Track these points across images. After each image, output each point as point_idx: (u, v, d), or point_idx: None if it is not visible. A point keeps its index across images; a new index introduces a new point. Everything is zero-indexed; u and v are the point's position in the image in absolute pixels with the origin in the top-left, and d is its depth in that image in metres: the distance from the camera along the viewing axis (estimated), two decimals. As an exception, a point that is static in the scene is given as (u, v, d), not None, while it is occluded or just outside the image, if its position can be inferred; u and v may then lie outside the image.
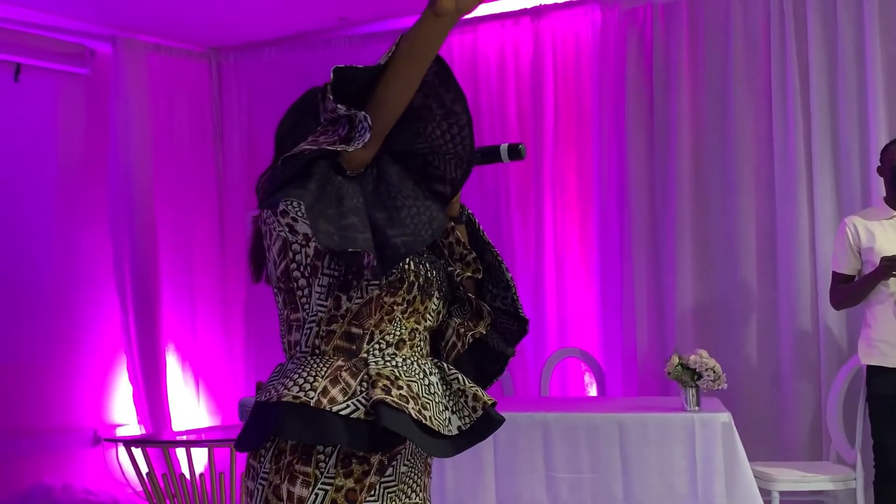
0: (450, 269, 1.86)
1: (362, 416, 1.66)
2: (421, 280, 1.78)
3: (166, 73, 5.69)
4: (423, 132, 1.74)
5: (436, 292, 1.82)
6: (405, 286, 1.76)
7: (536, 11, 5.15)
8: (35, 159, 5.31)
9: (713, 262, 4.73)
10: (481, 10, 5.26)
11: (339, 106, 1.64)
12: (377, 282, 1.73)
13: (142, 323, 5.43)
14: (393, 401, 1.67)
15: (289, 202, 1.65)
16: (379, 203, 1.69)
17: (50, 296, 5.32)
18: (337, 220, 1.63)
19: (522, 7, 5.17)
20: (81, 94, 5.51)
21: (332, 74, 1.64)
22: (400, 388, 1.70)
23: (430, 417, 1.71)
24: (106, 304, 5.48)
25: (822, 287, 4.40)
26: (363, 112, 1.64)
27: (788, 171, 4.52)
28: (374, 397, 1.66)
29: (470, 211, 1.93)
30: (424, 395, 1.74)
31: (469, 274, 1.87)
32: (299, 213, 1.65)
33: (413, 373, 1.76)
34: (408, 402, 1.69)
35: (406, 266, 1.76)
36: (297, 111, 1.89)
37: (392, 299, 1.75)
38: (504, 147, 1.85)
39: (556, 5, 5.11)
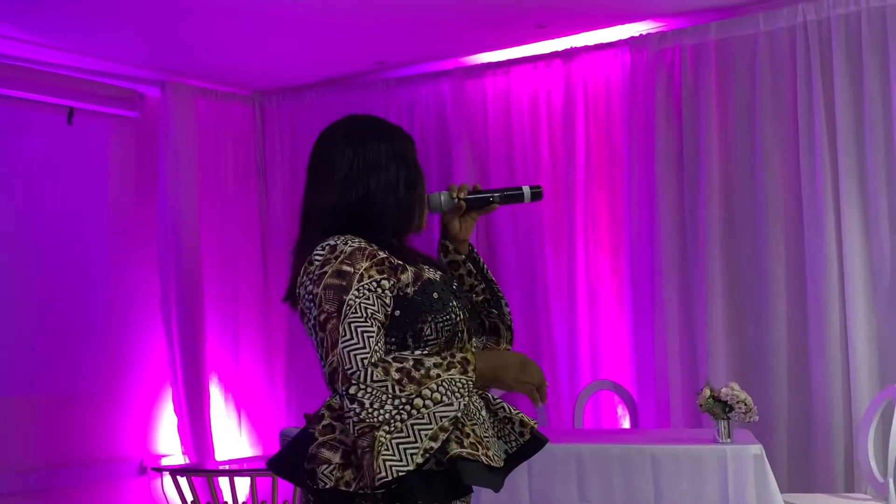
0: (468, 295, 1.99)
1: (434, 466, 1.72)
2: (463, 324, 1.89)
3: (212, 115, 5.89)
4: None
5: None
6: (457, 339, 1.86)
7: (567, 54, 5.31)
8: (87, 197, 5.50)
9: (744, 295, 4.80)
10: (514, 54, 5.44)
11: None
12: (436, 341, 1.82)
13: (187, 356, 5.57)
14: (469, 453, 1.73)
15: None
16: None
17: (99, 330, 5.48)
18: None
19: (554, 50, 5.33)
20: (131, 135, 5.72)
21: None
22: (468, 435, 1.76)
23: (493, 456, 1.79)
24: (153, 338, 5.64)
25: (850, 320, 4.47)
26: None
27: (816, 207, 4.60)
28: (451, 453, 1.72)
29: (476, 252, 2.06)
30: (484, 435, 1.81)
31: (486, 297, 2.01)
32: None
33: (474, 415, 1.82)
34: (478, 450, 1.76)
35: (457, 318, 1.86)
36: (335, 141, 1.90)
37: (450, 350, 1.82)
38: (527, 189, 2.06)
39: (586, 48, 5.26)
